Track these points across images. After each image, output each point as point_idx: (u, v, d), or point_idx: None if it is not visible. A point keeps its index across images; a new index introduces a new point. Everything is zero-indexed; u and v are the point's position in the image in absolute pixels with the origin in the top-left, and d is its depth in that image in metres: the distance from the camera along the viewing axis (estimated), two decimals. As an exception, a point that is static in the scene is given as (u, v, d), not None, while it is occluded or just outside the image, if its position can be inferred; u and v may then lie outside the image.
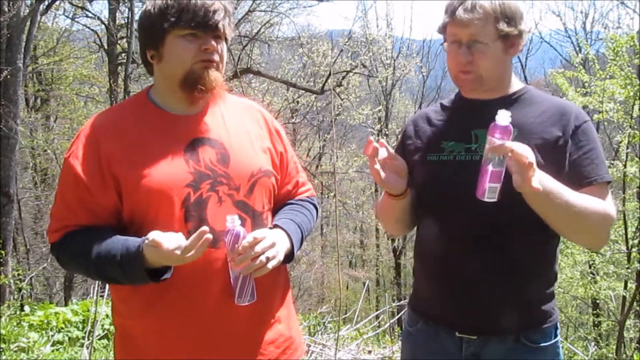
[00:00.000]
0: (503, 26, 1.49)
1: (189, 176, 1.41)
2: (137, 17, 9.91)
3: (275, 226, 1.50)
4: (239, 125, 1.54)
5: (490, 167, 1.33)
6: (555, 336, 1.58)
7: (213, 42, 1.43)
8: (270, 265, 1.36)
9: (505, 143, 1.30)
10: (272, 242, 1.38)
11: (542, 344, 1.55)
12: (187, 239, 1.30)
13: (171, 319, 1.43)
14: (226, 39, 1.48)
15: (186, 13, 1.39)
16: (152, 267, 1.34)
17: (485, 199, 1.35)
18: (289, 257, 1.49)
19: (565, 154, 1.48)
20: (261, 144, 1.55)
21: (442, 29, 1.56)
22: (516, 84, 1.62)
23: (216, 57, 1.44)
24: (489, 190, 1.34)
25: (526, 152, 1.29)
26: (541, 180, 1.34)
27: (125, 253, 1.33)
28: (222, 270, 1.41)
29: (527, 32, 1.55)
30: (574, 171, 1.48)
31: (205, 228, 1.29)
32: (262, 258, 1.35)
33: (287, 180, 1.64)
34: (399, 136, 1.84)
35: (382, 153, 1.50)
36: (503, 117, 1.31)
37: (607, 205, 1.47)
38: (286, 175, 1.64)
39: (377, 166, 1.50)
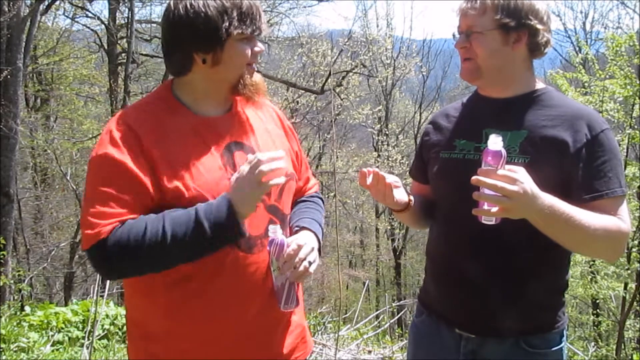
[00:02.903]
0: (501, 17, 1.49)
1: (227, 183, 1.38)
2: (137, 17, 9.94)
3: (303, 228, 1.52)
4: (261, 126, 1.53)
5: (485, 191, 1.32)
6: (560, 343, 1.55)
7: (261, 46, 1.45)
8: (312, 269, 1.40)
9: (498, 171, 1.29)
10: (312, 247, 1.42)
11: (542, 350, 1.53)
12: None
13: (207, 321, 1.41)
14: None
15: (247, 16, 1.37)
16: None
17: (483, 221, 1.35)
18: None
19: (577, 164, 1.44)
20: (282, 145, 1.54)
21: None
22: (538, 84, 1.58)
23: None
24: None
25: (510, 185, 1.27)
26: (543, 205, 1.31)
27: (213, 209, 1.29)
28: (255, 274, 1.41)
29: (542, 30, 1.51)
30: (586, 183, 1.43)
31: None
32: (306, 264, 1.38)
33: (299, 177, 1.64)
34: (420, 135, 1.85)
35: (370, 179, 1.53)
36: (494, 142, 1.31)
37: (620, 221, 1.42)
38: (300, 173, 1.64)
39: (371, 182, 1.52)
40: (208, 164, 1.38)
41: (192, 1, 1.35)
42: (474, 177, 1.30)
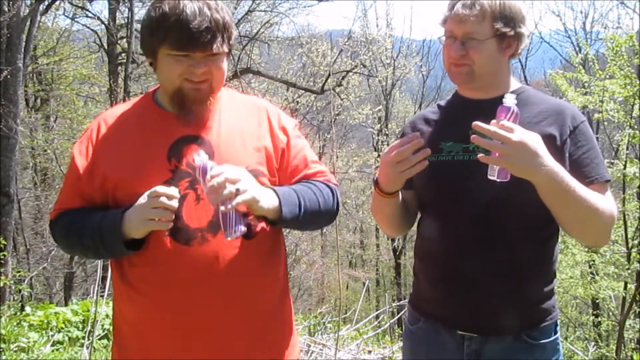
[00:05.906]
0: (499, 25, 1.50)
1: (168, 173, 1.42)
2: (137, 17, 9.95)
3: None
4: (236, 123, 1.52)
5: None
6: (555, 333, 1.59)
7: (203, 66, 1.38)
8: (241, 198, 1.31)
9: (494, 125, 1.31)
10: (240, 173, 1.35)
11: (542, 341, 1.56)
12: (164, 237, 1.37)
13: (150, 317, 1.45)
14: (228, 52, 1.44)
15: (173, 33, 1.34)
16: (129, 237, 1.39)
17: (488, 176, 1.37)
18: (279, 217, 1.42)
19: (564, 155, 1.49)
20: (256, 143, 1.52)
21: (443, 23, 1.59)
22: (514, 85, 1.63)
23: (206, 79, 1.41)
24: (489, 167, 1.37)
25: (511, 136, 1.29)
26: (551, 169, 1.34)
27: (106, 215, 1.41)
28: (194, 268, 1.41)
29: (526, 36, 1.56)
30: (574, 171, 1.47)
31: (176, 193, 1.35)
32: (231, 188, 1.30)
33: (290, 174, 1.59)
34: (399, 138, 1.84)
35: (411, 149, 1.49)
36: (507, 99, 1.36)
37: (611, 204, 1.48)
38: (288, 170, 1.58)
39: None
40: (151, 154, 1.45)
41: (150, 11, 1.41)
42: (474, 123, 1.32)
